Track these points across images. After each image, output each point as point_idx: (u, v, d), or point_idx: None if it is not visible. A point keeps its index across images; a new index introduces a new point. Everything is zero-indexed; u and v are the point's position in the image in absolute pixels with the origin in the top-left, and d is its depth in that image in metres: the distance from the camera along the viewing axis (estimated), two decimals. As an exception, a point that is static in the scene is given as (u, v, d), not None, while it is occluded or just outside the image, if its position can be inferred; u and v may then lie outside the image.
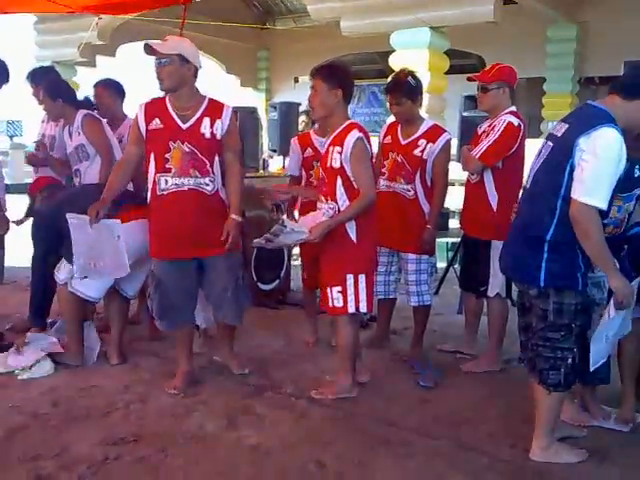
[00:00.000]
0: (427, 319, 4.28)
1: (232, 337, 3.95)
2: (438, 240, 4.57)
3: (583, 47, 9.74)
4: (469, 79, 4.04)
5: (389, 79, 4.16)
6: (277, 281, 5.67)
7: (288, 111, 6.24)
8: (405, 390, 3.76)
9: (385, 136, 4.16)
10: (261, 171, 6.48)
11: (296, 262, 5.79)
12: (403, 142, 4.04)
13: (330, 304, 3.48)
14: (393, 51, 7.74)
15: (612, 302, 2.73)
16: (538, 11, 8.75)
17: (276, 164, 7.66)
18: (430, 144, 3.97)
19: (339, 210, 3.38)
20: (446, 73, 7.99)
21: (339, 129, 3.38)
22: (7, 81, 4.35)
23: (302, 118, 6.48)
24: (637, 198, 3.08)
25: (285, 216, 3.25)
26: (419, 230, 4.01)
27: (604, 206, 2.61)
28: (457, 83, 7.58)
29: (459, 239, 5.59)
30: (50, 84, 4.47)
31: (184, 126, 3.41)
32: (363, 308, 3.47)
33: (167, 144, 3.37)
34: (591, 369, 2.81)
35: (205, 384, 3.72)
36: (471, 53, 10.95)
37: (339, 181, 3.36)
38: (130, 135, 3.61)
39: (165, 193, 3.41)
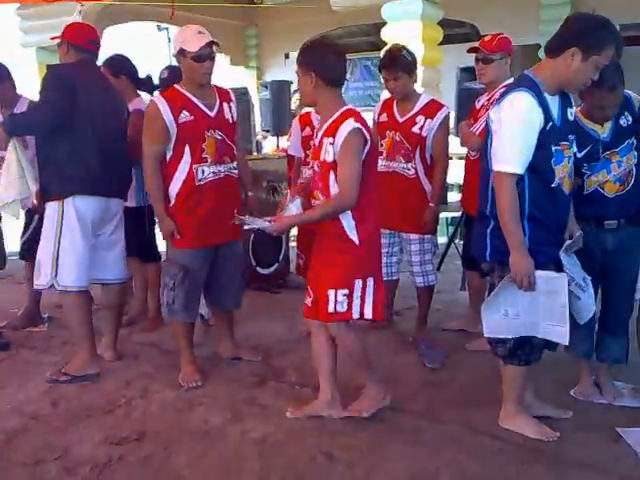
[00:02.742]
0: (431, 298, 4.22)
1: (232, 325, 3.92)
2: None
3: (578, 11, 9.57)
4: (470, 50, 3.88)
5: (382, 54, 4.03)
6: (276, 265, 5.60)
7: (280, 90, 6.10)
8: (411, 373, 3.70)
9: (380, 114, 4.04)
10: (255, 153, 6.33)
11: (294, 244, 5.72)
12: (400, 120, 3.92)
13: (331, 309, 2.91)
14: (385, 23, 7.56)
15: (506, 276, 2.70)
16: (531, -24, 8.57)
17: (270, 145, 7.53)
18: (429, 120, 3.86)
19: None
20: (440, 44, 7.82)
21: (332, 118, 2.86)
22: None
23: (296, 96, 6.33)
24: (636, 148, 3.00)
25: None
26: (421, 210, 3.92)
27: (517, 170, 2.60)
28: (451, 53, 7.42)
29: (459, 213, 5.51)
30: None
31: (212, 114, 3.43)
32: (368, 314, 2.95)
33: (203, 134, 3.38)
34: (485, 335, 2.85)
35: (207, 375, 3.64)
36: (465, 22, 10.75)
37: (332, 177, 2.85)
38: (150, 133, 3.37)
39: (203, 183, 3.41)
